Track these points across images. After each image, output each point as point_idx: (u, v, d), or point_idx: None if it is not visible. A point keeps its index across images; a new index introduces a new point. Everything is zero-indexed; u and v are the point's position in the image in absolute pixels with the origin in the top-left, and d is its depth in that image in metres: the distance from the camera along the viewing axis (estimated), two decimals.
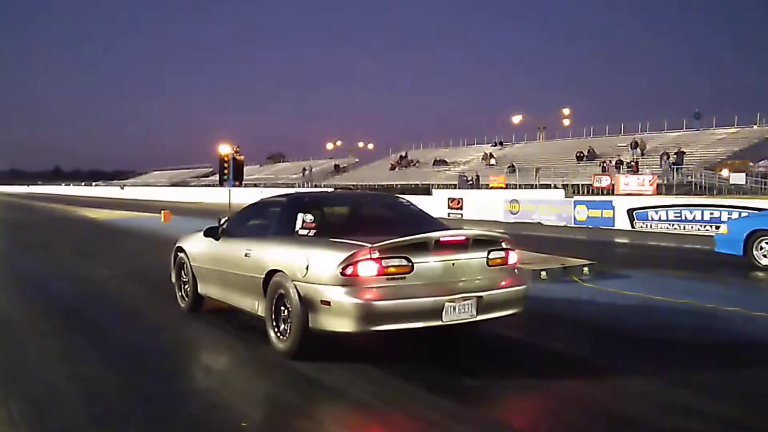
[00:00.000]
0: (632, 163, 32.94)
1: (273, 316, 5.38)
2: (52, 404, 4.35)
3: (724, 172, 29.74)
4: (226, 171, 20.91)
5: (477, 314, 5.06)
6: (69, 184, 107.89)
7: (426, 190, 35.30)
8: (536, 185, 33.42)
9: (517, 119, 51.58)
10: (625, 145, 38.01)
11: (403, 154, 56.28)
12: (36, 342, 6.13)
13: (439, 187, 37.27)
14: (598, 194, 27.92)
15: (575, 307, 7.57)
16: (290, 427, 4.01)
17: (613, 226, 21.63)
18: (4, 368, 5.18)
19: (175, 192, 61.92)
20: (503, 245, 5.43)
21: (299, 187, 49.03)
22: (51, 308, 7.76)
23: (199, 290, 6.91)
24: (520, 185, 33.74)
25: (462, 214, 27.98)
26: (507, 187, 33.46)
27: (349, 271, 4.77)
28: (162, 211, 24.13)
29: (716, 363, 5.36)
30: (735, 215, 17.35)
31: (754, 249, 10.64)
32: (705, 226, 18.81)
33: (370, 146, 70.65)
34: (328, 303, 4.84)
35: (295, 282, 5.10)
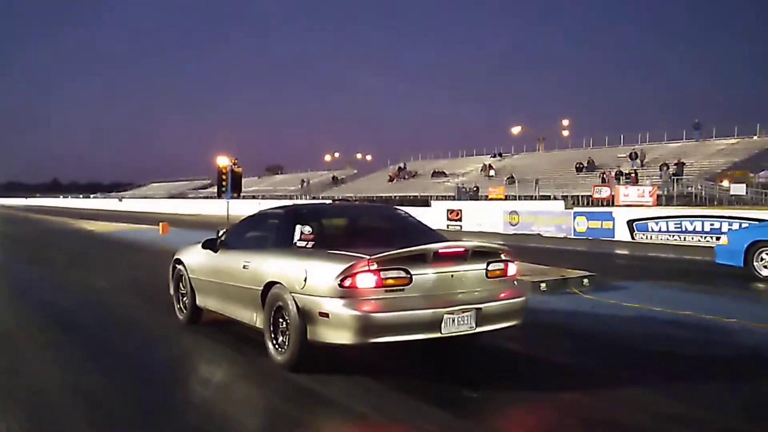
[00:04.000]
0: (632, 174, 32.95)
1: (271, 328, 5.37)
2: (51, 416, 4.34)
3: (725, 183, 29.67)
4: (224, 183, 20.82)
5: (476, 326, 5.04)
6: (67, 197, 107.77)
7: (425, 202, 35.27)
8: (536, 196, 33.38)
9: (516, 130, 51.61)
10: (624, 156, 38.05)
11: (402, 165, 56.32)
12: (35, 354, 6.11)
13: (438, 198, 37.27)
14: (597, 205, 27.84)
15: (575, 319, 7.55)
16: None
17: (613, 237, 21.63)
18: (3, 380, 5.15)
19: (174, 204, 61.86)
20: (502, 257, 5.42)
21: (298, 198, 49.03)
22: (49, 320, 7.73)
23: (197, 302, 6.89)
24: (519, 196, 33.67)
25: (461, 226, 27.98)
26: (506, 198, 33.38)
27: (347, 282, 4.77)
28: (160, 223, 24.10)
29: (716, 374, 5.34)
30: (735, 226, 17.35)
31: (754, 260, 10.64)
32: (705, 237, 18.82)
33: (369, 158, 70.71)
34: (326, 315, 4.82)
35: (293, 294, 5.09)
